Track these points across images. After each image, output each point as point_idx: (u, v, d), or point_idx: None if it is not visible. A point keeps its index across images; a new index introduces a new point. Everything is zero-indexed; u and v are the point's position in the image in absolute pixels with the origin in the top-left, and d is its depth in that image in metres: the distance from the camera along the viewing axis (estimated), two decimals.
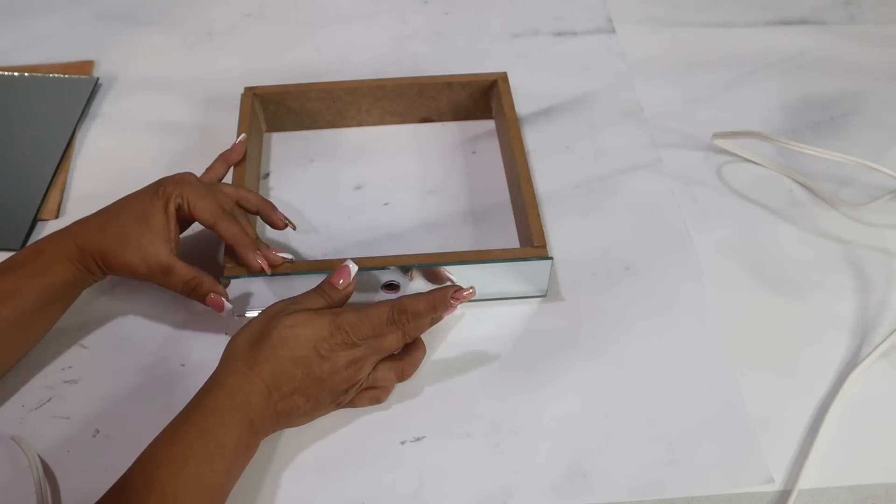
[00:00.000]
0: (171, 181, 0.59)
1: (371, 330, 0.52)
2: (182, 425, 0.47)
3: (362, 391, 0.55)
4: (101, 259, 0.56)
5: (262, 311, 0.53)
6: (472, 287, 0.55)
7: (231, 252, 0.58)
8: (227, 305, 0.57)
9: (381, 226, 0.68)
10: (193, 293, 0.57)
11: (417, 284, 0.60)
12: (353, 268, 0.55)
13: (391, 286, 0.60)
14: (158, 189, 0.58)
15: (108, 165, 0.73)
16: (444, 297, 0.54)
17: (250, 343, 0.51)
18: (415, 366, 0.57)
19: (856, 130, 0.77)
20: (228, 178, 0.66)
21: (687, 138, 0.76)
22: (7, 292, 0.53)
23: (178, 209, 0.58)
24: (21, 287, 0.54)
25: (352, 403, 0.55)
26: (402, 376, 0.56)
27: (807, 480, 0.53)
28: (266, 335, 0.51)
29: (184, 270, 0.57)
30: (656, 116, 0.78)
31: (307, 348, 0.51)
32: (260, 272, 0.57)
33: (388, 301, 0.53)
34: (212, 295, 0.57)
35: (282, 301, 0.54)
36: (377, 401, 0.56)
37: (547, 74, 0.82)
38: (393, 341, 0.54)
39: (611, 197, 0.71)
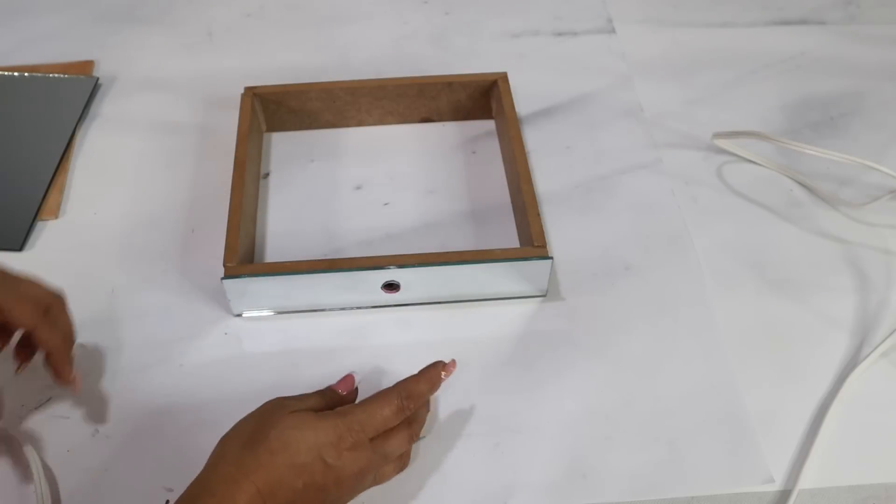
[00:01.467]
0: None
1: (382, 423, 0.49)
2: None
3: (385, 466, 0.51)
4: None
5: (258, 408, 0.49)
6: (453, 359, 0.53)
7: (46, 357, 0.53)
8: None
9: (381, 226, 0.68)
10: None
11: (416, 284, 0.60)
12: (357, 378, 0.54)
13: (391, 286, 0.60)
14: None
15: (108, 165, 0.73)
16: (437, 373, 0.52)
17: (244, 443, 0.46)
18: (422, 425, 0.53)
19: (856, 130, 0.77)
20: (227, 177, 0.65)
21: (687, 138, 0.76)
22: None
23: None
24: None
25: (375, 482, 0.51)
26: (414, 439, 0.52)
27: (807, 480, 0.53)
28: (263, 436, 0.46)
29: None
30: (656, 116, 0.78)
31: (311, 455, 0.46)
32: (67, 386, 0.53)
33: (391, 389, 0.50)
34: None
35: (280, 397, 0.50)
36: (403, 468, 0.52)
37: (547, 74, 0.82)
38: (399, 443, 0.50)
39: (611, 197, 0.71)
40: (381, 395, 0.50)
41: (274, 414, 0.47)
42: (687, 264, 0.66)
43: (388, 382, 0.58)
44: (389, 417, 0.49)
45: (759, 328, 0.62)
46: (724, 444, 0.55)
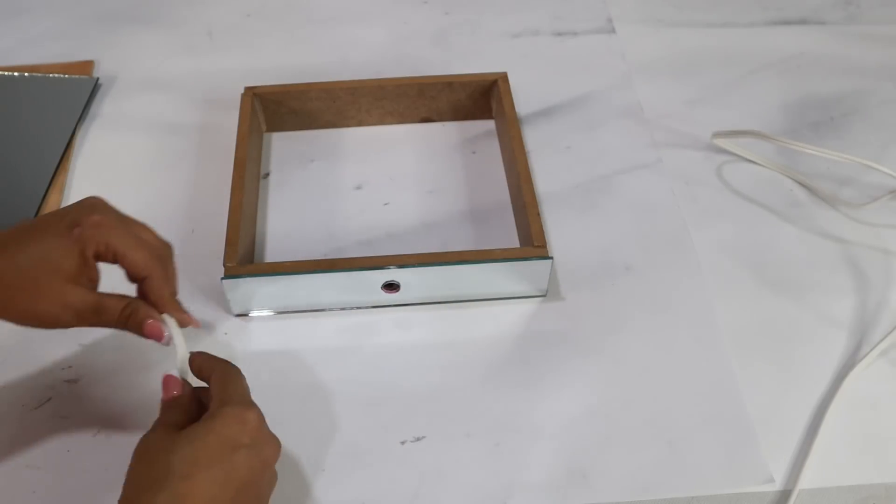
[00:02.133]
0: (87, 222, 0.48)
1: (248, 390, 0.48)
2: None
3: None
4: None
5: (133, 454, 0.44)
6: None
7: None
8: (167, 332, 0.50)
9: (381, 226, 0.68)
10: (130, 322, 0.49)
11: (416, 284, 0.60)
12: (176, 376, 0.49)
13: (391, 286, 0.60)
14: (72, 229, 0.48)
15: (108, 165, 0.73)
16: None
17: (149, 493, 0.40)
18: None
19: (856, 130, 0.77)
20: (227, 177, 0.65)
21: (687, 138, 0.76)
22: None
23: (98, 256, 0.49)
24: None
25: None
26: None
27: (807, 480, 0.53)
28: (165, 471, 0.40)
29: (115, 302, 0.49)
30: (656, 116, 0.78)
31: (228, 451, 0.42)
32: (187, 325, 0.51)
33: (227, 365, 0.49)
34: (149, 321, 0.49)
35: (144, 435, 0.45)
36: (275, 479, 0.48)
37: (547, 74, 0.82)
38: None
39: (611, 197, 0.71)
40: (229, 372, 0.48)
41: (157, 443, 0.43)
42: (687, 264, 0.66)
43: (388, 383, 0.58)
44: (246, 385, 0.48)
45: (759, 328, 0.62)
46: (724, 444, 0.55)
